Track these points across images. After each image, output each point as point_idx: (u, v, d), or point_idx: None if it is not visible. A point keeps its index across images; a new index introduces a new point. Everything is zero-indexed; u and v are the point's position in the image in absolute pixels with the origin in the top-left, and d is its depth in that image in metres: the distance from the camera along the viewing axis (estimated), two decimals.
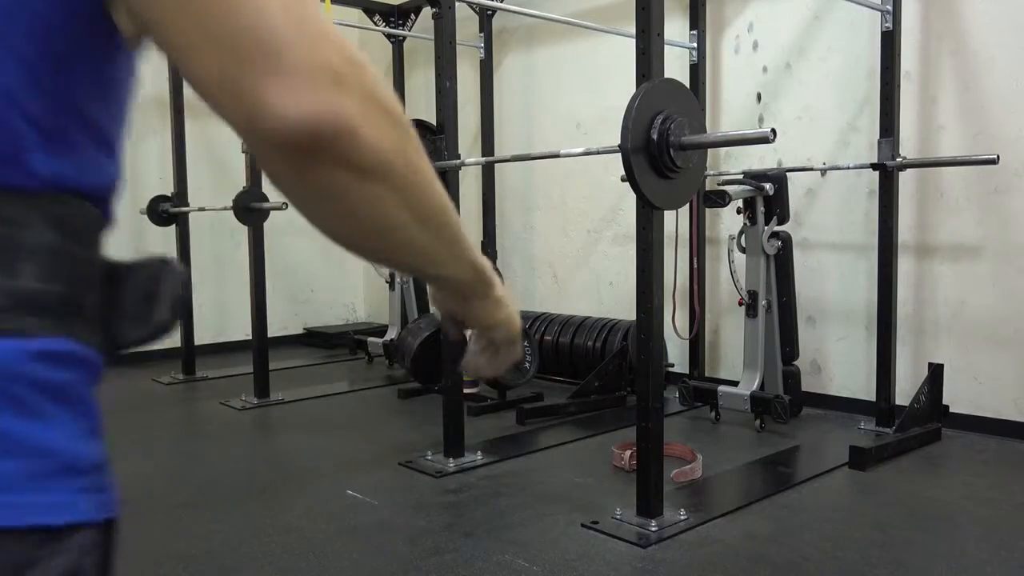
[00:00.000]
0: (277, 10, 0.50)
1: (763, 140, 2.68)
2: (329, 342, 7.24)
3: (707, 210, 5.15)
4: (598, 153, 3.18)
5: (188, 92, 6.10)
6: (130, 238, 6.56)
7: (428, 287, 0.83)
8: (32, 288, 0.50)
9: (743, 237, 4.39)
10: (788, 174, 4.43)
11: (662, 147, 2.77)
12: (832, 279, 4.74)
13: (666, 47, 3.01)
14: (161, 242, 6.58)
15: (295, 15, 0.51)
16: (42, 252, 0.50)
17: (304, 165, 0.52)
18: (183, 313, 1.30)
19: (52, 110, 0.52)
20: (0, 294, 0.48)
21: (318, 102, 0.50)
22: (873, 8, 4.17)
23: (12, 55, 0.49)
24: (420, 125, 4.10)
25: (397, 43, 6.97)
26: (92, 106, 0.56)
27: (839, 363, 4.74)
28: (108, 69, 0.57)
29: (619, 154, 2.78)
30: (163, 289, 0.62)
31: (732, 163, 5.12)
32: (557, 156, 3.49)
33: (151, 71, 6.46)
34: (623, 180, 3.03)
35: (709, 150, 5.16)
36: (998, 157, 3.84)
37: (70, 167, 0.54)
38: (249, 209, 5.19)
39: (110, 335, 0.59)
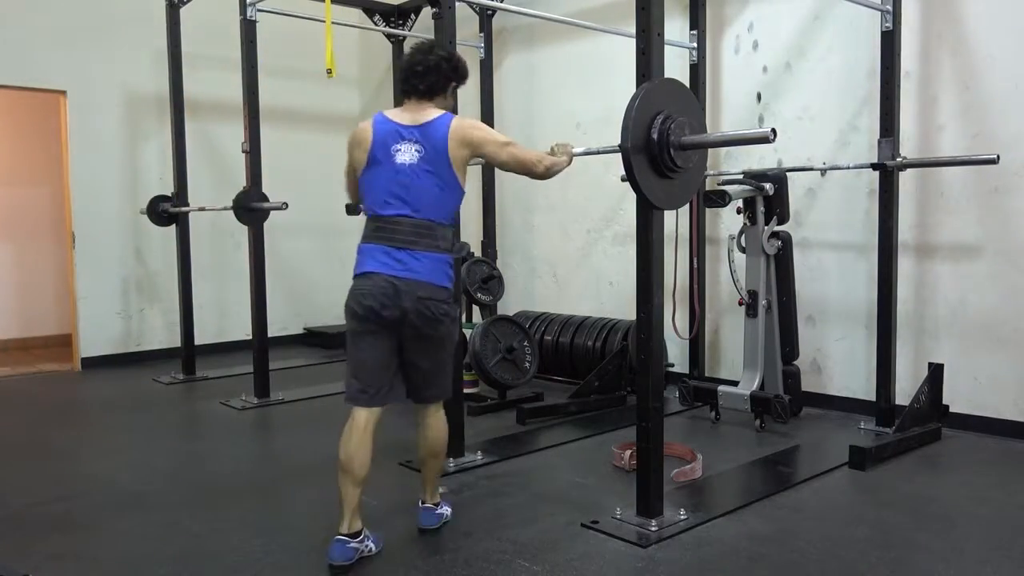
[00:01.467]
0: (532, 157, 2.90)
1: (763, 140, 2.68)
2: (329, 342, 7.24)
3: (707, 210, 5.15)
4: (598, 153, 3.18)
5: (188, 92, 6.14)
6: (130, 238, 6.57)
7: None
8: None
9: (743, 237, 4.38)
10: (788, 174, 4.43)
11: (662, 147, 2.77)
12: (832, 279, 4.74)
13: (666, 47, 3.01)
14: (161, 242, 6.58)
15: (533, 156, 2.90)
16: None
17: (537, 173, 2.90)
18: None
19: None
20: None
21: (543, 172, 2.92)
22: (873, 8, 4.17)
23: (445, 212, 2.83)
24: None
25: (397, 43, 6.97)
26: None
27: (839, 363, 4.74)
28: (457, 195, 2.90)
29: (619, 154, 2.78)
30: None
31: (732, 163, 5.12)
32: None
33: (151, 71, 6.47)
34: (623, 180, 3.02)
35: (709, 150, 5.17)
36: (998, 157, 3.84)
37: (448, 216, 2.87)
38: (249, 209, 5.19)
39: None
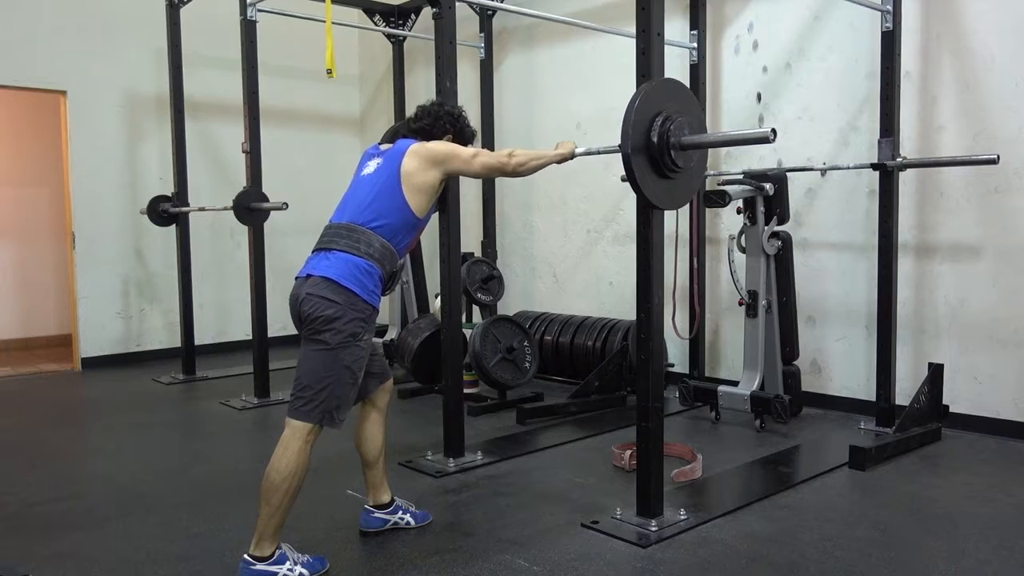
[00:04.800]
0: (499, 158, 2.82)
1: (763, 140, 2.68)
2: None
3: (707, 210, 5.15)
4: (599, 153, 3.18)
5: (188, 92, 6.14)
6: (130, 238, 6.57)
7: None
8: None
9: (743, 237, 4.38)
10: (788, 174, 4.43)
11: (662, 148, 2.77)
12: (832, 279, 4.74)
13: (666, 47, 3.01)
14: (161, 242, 6.59)
15: (501, 155, 2.82)
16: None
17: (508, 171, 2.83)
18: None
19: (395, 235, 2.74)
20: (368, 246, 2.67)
21: (514, 169, 2.83)
22: (873, 8, 4.17)
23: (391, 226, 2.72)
24: None
25: (397, 43, 6.98)
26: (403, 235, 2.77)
27: (839, 363, 4.74)
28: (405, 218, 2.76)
29: (619, 154, 2.78)
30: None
31: (732, 163, 5.12)
32: None
33: (151, 71, 6.47)
34: (623, 180, 3.02)
35: (709, 150, 5.17)
36: (998, 157, 3.84)
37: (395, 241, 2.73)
38: (249, 209, 5.19)
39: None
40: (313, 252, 2.70)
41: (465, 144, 2.95)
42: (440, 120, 2.92)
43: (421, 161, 2.73)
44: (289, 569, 2.56)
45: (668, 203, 2.92)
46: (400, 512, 3.00)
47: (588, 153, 3.10)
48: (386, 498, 2.99)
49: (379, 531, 2.96)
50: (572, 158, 2.92)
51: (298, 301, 2.62)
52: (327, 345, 2.56)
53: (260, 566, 2.54)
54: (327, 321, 2.55)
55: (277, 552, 2.58)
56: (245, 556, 2.56)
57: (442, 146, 2.80)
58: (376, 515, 2.98)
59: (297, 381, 2.63)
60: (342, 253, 2.62)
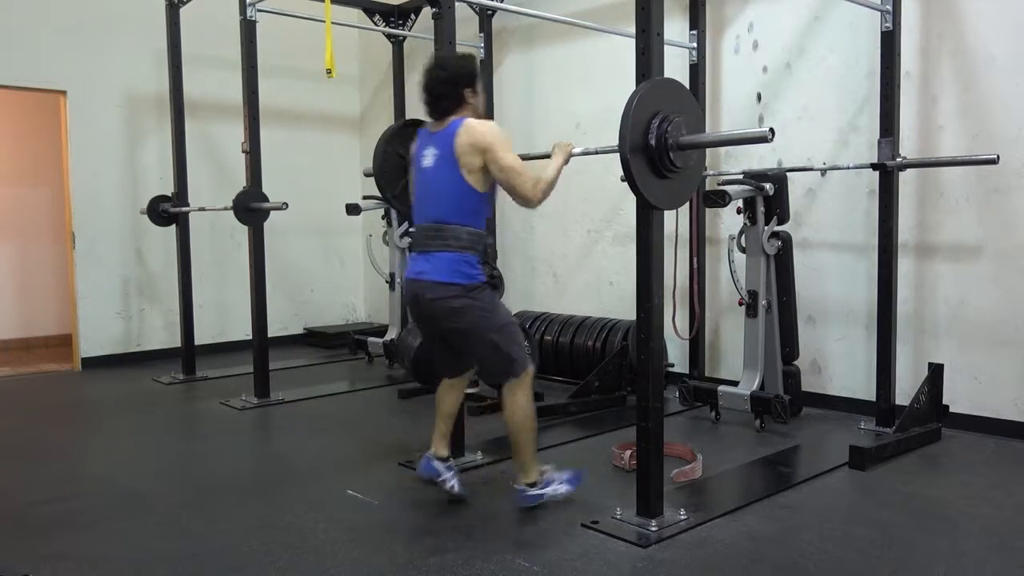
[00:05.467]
0: (527, 178, 2.97)
1: (761, 140, 2.68)
2: (329, 342, 7.24)
3: (707, 210, 5.15)
4: (596, 153, 3.19)
5: (188, 92, 6.14)
6: (130, 238, 6.57)
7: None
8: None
9: (743, 237, 4.38)
10: (788, 174, 4.43)
11: (660, 148, 2.77)
12: (832, 279, 4.74)
13: (666, 47, 3.01)
14: (161, 242, 6.59)
15: (537, 189, 2.99)
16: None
17: (527, 200, 3.01)
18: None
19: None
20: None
21: (534, 201, 3.02)
22: (873, 8, 4.17)
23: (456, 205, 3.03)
24: (419, 125, 4.10)
25: (397, 43, 6.98)
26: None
27: (839, 363, 4.74)
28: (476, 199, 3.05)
29: (618, 154, 2.78)
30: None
31: (732, 163, 5.12)
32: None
33: (151, 71, 6.47)
34: (623, 180, 3.02)
35: (709, 150, 5.17)
36: (998, 157, 3.84)
37: (477, 222, 3.07)
38: (249, 209, 5.18)
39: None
40: (414, 253, 3.12)
41: (472, 83, 3.11)
42: (452, 89, 3.06)
43: (467, 146, 2.96)
44: (555, 489, 3.15)
45: (667, 203, 2.93)
46: (451, 474, 3.27)
47: (586, 153, 3.12)
48: (444, 453, 3.30)
49: (433, 479, 3.25)
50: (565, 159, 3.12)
51: (419, 301, 3.07)
52: (475, 325, 3.03)
53: (532, 491, 3.12)
54: (459, 311, 3.01)
55: (542, 477, 3.14)
56: (517, 487, 3.13)
57: (487, 138, 2.97)
58: (434, 464, 3.26)
59: (480, 361, 3.18)
60: (439, 253, 3.01)
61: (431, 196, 3.06)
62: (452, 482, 3.24)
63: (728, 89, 5.17)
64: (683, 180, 2.91)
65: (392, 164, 3.99)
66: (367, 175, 4.19)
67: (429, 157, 3.06)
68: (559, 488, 3.16)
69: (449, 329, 3.09)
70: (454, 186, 3.00)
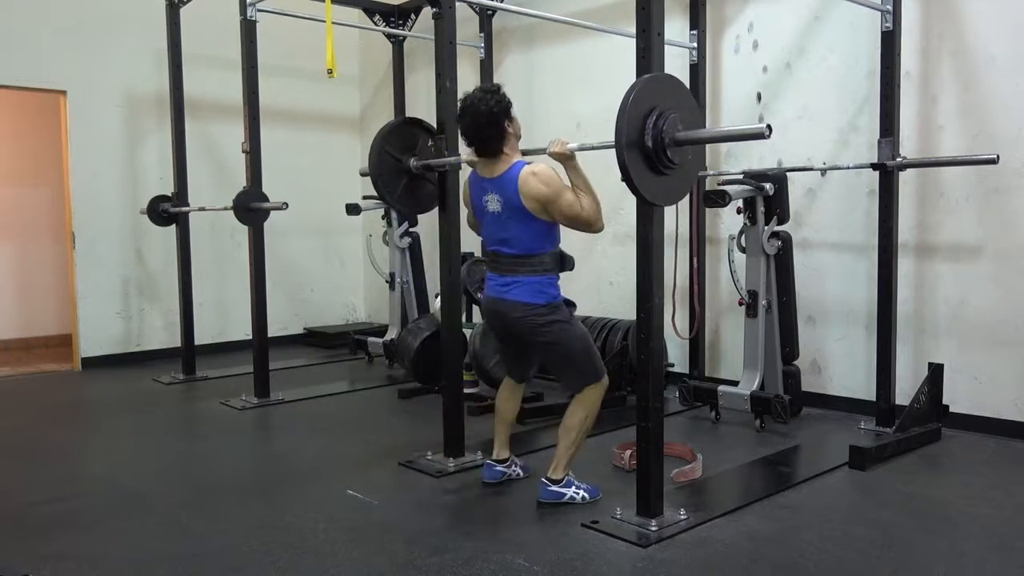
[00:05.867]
0: (590, 212, 3.18)
1: (759, 136, 2.65)
2: (329, 342, 7.24)
3: (707, 210, 5.14)
4: (592, 149, 3.18)
5: (188, 92, 6.14)
6: (130, 238, 6.57)
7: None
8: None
9: (743, 237, 4.38)
10: (788, 174, 4.43)
11: (657, 144, 2.73)
12: (832, 279, 4.74)
13: (666, 47, 3.01)
14: (161, 242, 6.59)
15: (593, 212, 3.20)
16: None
17: (594, 231, 3.26)
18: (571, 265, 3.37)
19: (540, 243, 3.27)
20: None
21: (600, 229, 3.26)
22: (873, 8, 4.17)
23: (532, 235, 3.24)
24: (419, 125, 4.08)
25: (397, 43, 6.97)
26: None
27: (839, 363, 4.74)
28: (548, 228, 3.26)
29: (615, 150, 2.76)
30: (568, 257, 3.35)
31: (732, 163, 5.11)
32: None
33: (151, 71, 6.47)
34: (623, 180, 3.02)
35: (708, 148, 5.17)
36: (998, 157, 3.84)
37: (554, 244, 3.31)
38: (249, 209, 5.18)
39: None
40: (495, 274, 3.33)
41: (508, 116, 3.26)
42: (492, 129, 3.20)
43: (531, 200, 3.16)
44: (575, 491, 3.26)
45: (663, 199, 2.89)
46: (514, 466, 3.56)
47: (582, 149, 3.13)
48: (506, 454, 3.54)
49: (498, 482, 3.48)
50: (572, 157, 3.21)
51: (504, 319, 3.31)
52: (559, 339, 3.24)
53: (554, 487, 3.25)
54: (545, 327, 3.23)
55: (566, 478, 3.27)
56: (542, 479, 3.27)
57: (543, 190, 3.14)
58: (497, 468, 3.51)
59: (554, 369, 3.50)
60: (525, 277, 3.24)
61: (508, 236, 3.25)
62: (518, 471, 3.55)
63: (728, 89, 5.17)
64: (680, 176, 2.86)
65: (388, 166, 3.96)
66: (363, 175, 4.18)
67: (494, 203, 3.25)
68: (579, 492, 3.26)
69: (533, 342, 3.32)
70: (528, 226, 3.21)
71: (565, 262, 3.32)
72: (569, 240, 6.20)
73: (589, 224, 3.19)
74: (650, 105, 2.75)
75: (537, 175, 3.15)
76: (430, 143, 3.99)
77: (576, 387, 3.30)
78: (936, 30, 4.26)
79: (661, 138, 2.73)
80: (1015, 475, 3.59)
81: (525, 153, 3.35)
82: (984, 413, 4.20)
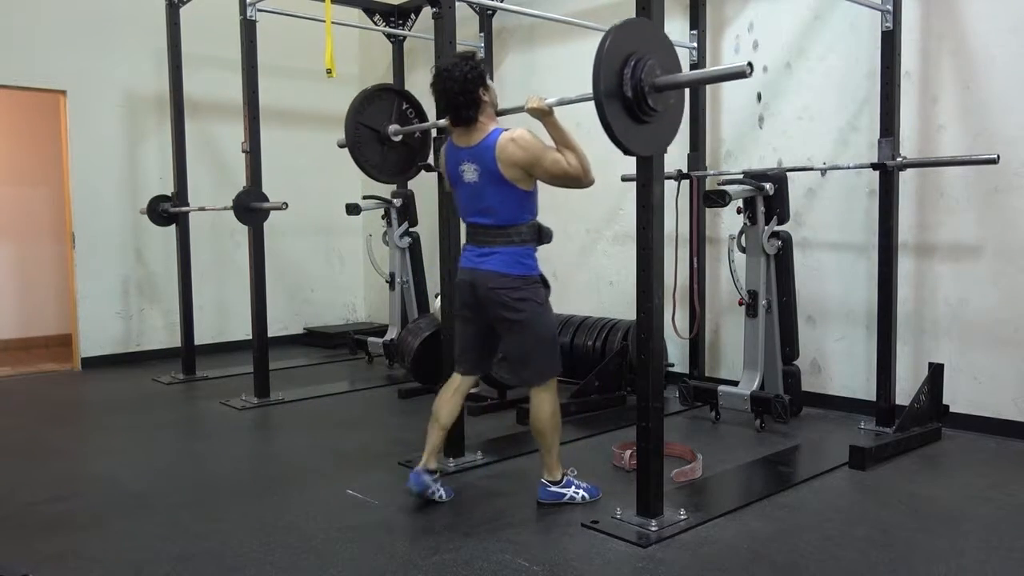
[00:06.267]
0: (576, 166, 3.05)
1: (740, 75, 2.60)
2: (329, 342, 7.24)
3: (707, 210, 5.14)
4: (571, 102, 3.15)
5: (188, 92, 6.13)
6: (130, 238, 6.57)
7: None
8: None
9: (743, 237, 4.38)
10: (788, 174, 4.43)
11: (637, 91, 2.64)
12: (832, 279, 4.74)
13: None
14: (161, 242, 6.59)
15: (580, 166, 3.06)
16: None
17: (584, 185, 3.12)
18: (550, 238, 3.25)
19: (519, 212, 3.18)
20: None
21: (590, 183, 3.11)
22: (873, 8, 4.17)
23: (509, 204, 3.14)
24: (393, 91, 4.11)
25: (397, 43, 6.97)
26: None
27: (839, 363, 4.74)
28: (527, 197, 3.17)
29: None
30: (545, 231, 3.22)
31: (732, 163, 5.12)
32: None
33: (151, 71, 6.47)
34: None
35: (708, 148, 5.17)
36: (998, 157, 3.84)
37: (532, 213, 3.21)
38: (249, 209, 5.18)
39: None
40: (472, 245, 3.20)
41: (485, 84, 3.16)
42: (467, 97, 3.10)
43: (510, 166, 3.07)
44: (575, 491, 3.24)
45: (646, 148, 2.81)
46: (438, 486, 3.31)
47: (560, 103, 3.09)
48: (434, 465, 3.31)
49: (422, 494, 3.26)
50: (551, 112, 3.15)
51: (476, 290, 3.16)
52: (529, 319, 3.12)
53: (553, 488, 3.23)
54: (518, 302, 3.11)
55: (565, 477, 3.25)
56: (541, 480, 3.25)
57: (522, 153, 3.06)
58: (425, 477, 3.27)
59: (513, 358, 3.27)
60: (502, 248, 3.13)
61: (484, 206, 3.15)
62: (440, 492, 3.30)
63: (728, 89, 5.17)
64: (663, 123, 2.79)
65: (364, 135, 4.02)
66: (341, 146, 4.16)
67: (470, 172, 3.14)
68: (578, 492, 3.24)
69: (502, 319, 3.15)
70: (505, 196, 3.11)
71: (543, 234, 3.23)
72: (569, 238, 6.18)
73: (578, 179, 3.07)
74: (627, 52, 2.65)
75: (516, 140, 3.07)
76: (405, 107, 4.03)
77: (533, 380, 3.21)
78: (936, 30, 4.26)
79: (641, 86, 2.63)
80: (1015, 475, 3.59)
81: (502, 112, 3.31)
82: (984, 413, 4.20)
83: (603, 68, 2.61)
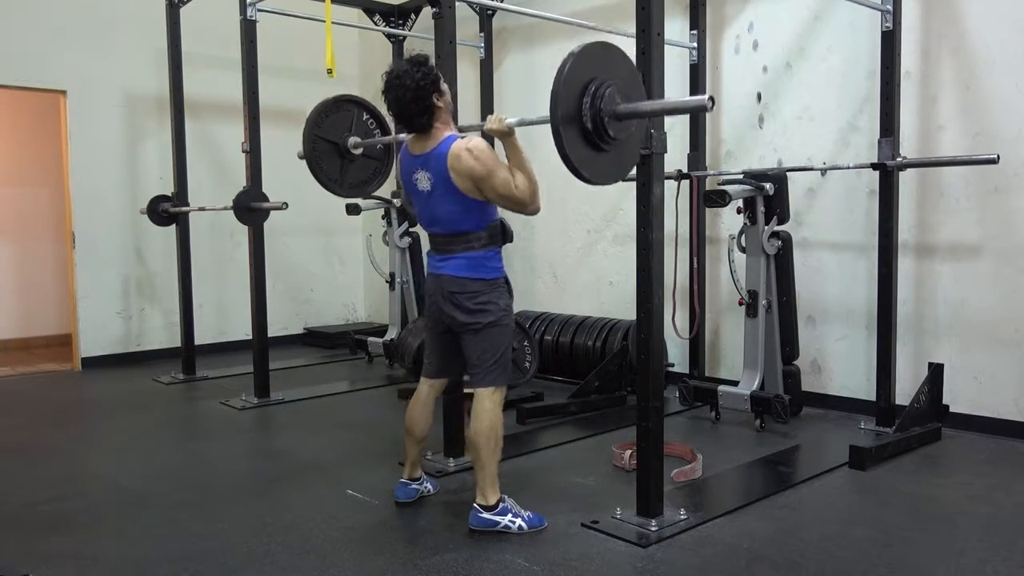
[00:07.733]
0: (524, 192, 2.94)
1: (700, 109, 2.52)
2: (329, 342, 7.24)
3: (707, 210, 5.15)
4: (531, 124, 3.05)
5: (188, 92, 6.13)
6: (130, 238, 6.57)
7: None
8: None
9: (743, 237, 4.38)
10: (788, 174, 4.43)
11: (596, 120, 2.58)
12: (832, 279, 4.74)
13: (666, 47, 3.01)
14: (161, 242, 6.58)
15: (528, 192, 2.95)
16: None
17: (528, 213, 3.05)
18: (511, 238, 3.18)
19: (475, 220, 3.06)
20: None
21: (535, 211, 3.04)
22: (873, 8, 4.17)
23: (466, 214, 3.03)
24: (353, 101, 4.07)
25: (397, 43, 6.96)
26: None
27: (839, 363, 4.74)
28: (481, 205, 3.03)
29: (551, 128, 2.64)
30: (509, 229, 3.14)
31: (732, 163, 5.12)
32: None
33: (151, 71, 6.47)
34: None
35: (708, 148, 5.17)
36: (998, 157, 3.84)
37: (492, 219, 3.11)
38: (249, 209, 5.18)
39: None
40: (436, 253, 3.13)
41: (438, 89, 3.02)
42: (419, 105, 2.97)
43: (462, 177, 2.96)
44: (511, 519, 2.98)
45: (602, 178, 2.75)
46: (426, 483, 3.37)
47: (521, 124, 3.02)
48: (418, 473, 3.36)
49: (412, 501, 3.28)
50: (511, 132, 2.99)
51: (441, 294, 3.08)
52: (490, 322, 3.03)
53: (486, 514, 2.98)
54: (481, 306, 3.03)
55: (500, 504, 2.99)
56: (474, 504, 3.00)
57: (476, 166, 2.92)
58: (412, 487, 3.31)
59: (479, 361, 3.06)
60: (463, 253, 3.05)
61: (441, 215, 3.05)
62: (428, 487, 3.36)
63: (728, 89, 5.17)
64: (621, 152, 2.74)
65: (322, 148, 3.93)
66: (300, 158, 4.05)
67: (424, 181, 3.04)
68: (515, 520, 2.97)
69: (459, 323, 3.05)
70: (461, 205, 3.00)
71: (505, 234, 3.11)
72: (569, 238, 6.17)
73: (523, 204, 2.95)
74: (588, 76, 2.59)
75: (471, 151, 2.93)
76: (366, 118, 3.96)
77: (487, 381, 3.02)
78: (936, 30, 4.26)
79: (600, 115, 2.58)
80: (1015, 475, 3.59)
81: (462, 130, 3.20)
82: (984, 413, 4.20)
83: (561, 94, 2.52)
